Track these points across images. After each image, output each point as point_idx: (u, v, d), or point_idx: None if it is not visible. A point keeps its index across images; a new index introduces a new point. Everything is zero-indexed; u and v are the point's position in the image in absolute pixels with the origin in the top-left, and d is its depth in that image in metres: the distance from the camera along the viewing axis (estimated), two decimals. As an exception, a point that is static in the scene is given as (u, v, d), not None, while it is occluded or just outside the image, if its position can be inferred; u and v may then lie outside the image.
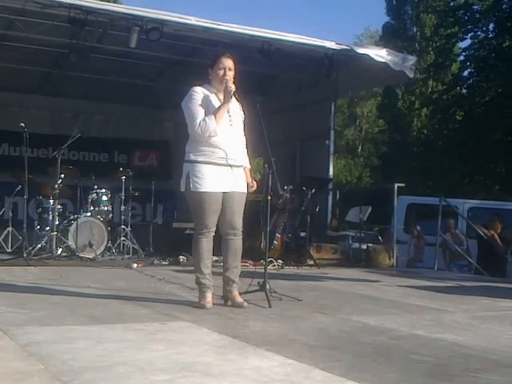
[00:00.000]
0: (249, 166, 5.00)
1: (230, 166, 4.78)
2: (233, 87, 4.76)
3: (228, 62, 4.84)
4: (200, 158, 4.74)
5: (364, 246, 10.85)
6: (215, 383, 2.69)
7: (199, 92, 4.81)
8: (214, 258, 5.29)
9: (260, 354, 3.27)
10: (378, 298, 5.98)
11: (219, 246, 4.96)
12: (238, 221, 4.88)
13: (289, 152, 12.65)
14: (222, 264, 5.03)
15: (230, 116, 4.82)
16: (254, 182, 5.00)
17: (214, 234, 4.84)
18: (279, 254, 9.51)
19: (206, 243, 4.81)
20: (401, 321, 4.56)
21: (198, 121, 4.69)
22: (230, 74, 4.83)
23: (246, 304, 4.81)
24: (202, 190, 4.70)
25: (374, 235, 13.11)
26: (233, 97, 4.80)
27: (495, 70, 23.24)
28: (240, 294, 4.92)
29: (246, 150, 5.00)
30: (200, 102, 4.76)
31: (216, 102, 4.80)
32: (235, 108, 4.90)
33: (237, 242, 4.89)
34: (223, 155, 4.74)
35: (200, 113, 4.71)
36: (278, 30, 10.27)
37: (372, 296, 6.16)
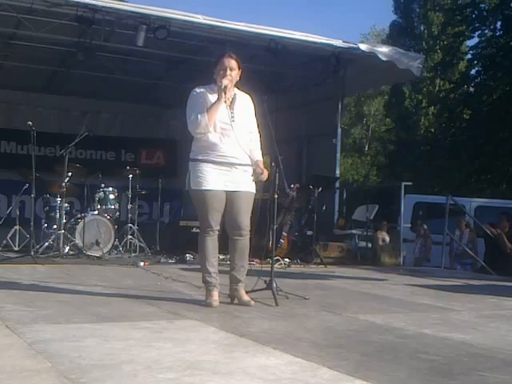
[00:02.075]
0: (261, 159, 4.96)
1: (232, 164, 4.77)
2: (224, 82, 4.74)
3: (230, 62, 4.83)
4: (200, 157, 4.75)
5: (371, 245, 10.83)
6: (222, 381, 2.68)
7: (198, 92, 4.85)
8: (221, 257, 5.30)
9: (267, 352, 3.27)
10: (384, 297, 5.98)
11: (226, 244, 4.96)
12: (245, 220, 4.85)
13: (296, 150, 12.64)
14: (228, 262, 5.03)
15: (232, 112, 4.80)
16: (265, 170, 4.95)
17: (218, 232, 4.84)
18: (286, 253, 9.52)
19: (211, 242, 4.81)
20: (408, 319, 4.55)
21: (191, 119, 4.74)
22: (233, 74, 4.82)
23: (252, 302, 4.81)
24: (202, 188, 4.71)
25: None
26: (226, 92, 4.76)
27: (502, 68, 23.17)
28: (246, 292, 4.92)
29: (258, 144, 4.97)
30: (197, 102, 4.78)
31: None
32: (241, 103, 4.89)
33: (243, 242, 4.88)
34: (225, 153, 4.74)
35: (194, 111, 4.74)
36: (284, 28, 10.29)
37: (379, 295, 6.15)
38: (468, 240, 11.73)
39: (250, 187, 4.88)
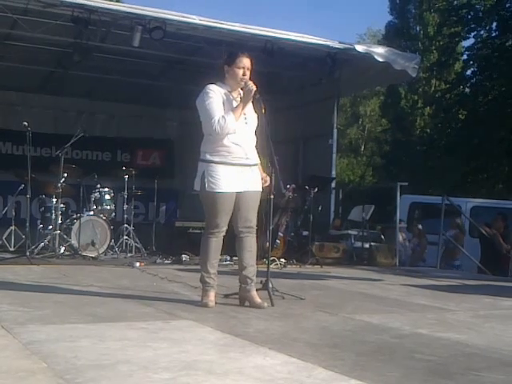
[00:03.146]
0: (259, 162, 4.98)
1: (246, 165, 4.77)
2: (254, 87, 4.74)
3: (247, 62, 4.83)
4: (216, 159, 4.71)
5: (367, 245, 10.85)
6: (218, 382, 2.69)
7: (215, 90, 4.77)
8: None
9: (263, 352, 3.27)
10: (380, 297, 5.98)
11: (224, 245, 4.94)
12: (253, 218, 4.87)
13: (292, 151, 12.65)
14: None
15: (245, 114, 4.80)
16: (268, 178, 4.99)
17: (224, 233, 4.82)
18: (282, 253, 9.52)
19: (215, 243, 4.80)
20: (403, 320, 4.56)
21: (216, 118, 4.65)
22: (248, 74, 4.82)
23: (265, 304, 4.77)
24: (216, 191, 4.68)
25: (376, 234, 13.11)
26: (254, 97, 4.78)
27: (498, 69, 23.22)
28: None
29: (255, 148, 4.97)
30: (217, 100, 4.72)
31: (230, 100, 4.78)
32: (250, 107, 4.87)
33: (252, 240, 4.87)
34: (240, 155, 4.73)
35: (218, 111, 4.68)
36: (281, 29, 10.29)
37: (375, 295, 6.16)
38: (450, 237, 11.68)
39: (258, 186, 4.89)
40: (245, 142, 4.77)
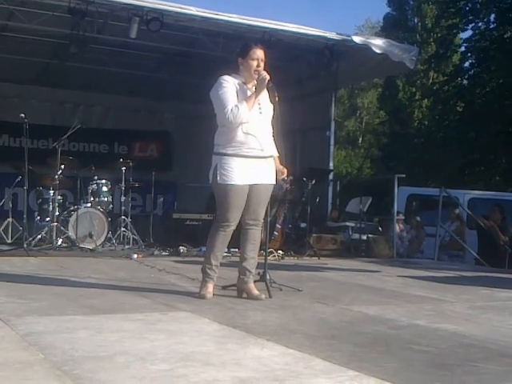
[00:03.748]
0: (277, 154, 4.95)
1: (260, 157, 4.74)
2: (267, 76, 4.72)
3: (261, 53, 4.80)
4: (229, 151, 4.67)
5: (364, 237, 10.86)
6: (215, 373, 2.68)
7: (229, 80, 4.74)
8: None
9: (260, 343, 3.27)
10: (378, 289, 5.99)
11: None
12: (262, 212, 4.86)
13: (289, 143, 12.57)
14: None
15: (259, 104, 4.77)
16: (285, 169, 4.97)
17: (233, 228, 4.78)
18: (279, 245, 9.53)
19: (223, 236, 4.77)
20: (401, 311, 4.56)
21: (229, 107, 4.62)
22: (262, 65, 4.79)
23: (263, 296, 4.76)
24: (229, 183, 4.64)
25: (374, 226, 13.12)
26: (268, 86, 4.76)
27: (496, 61, 23.19)
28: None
29: (272, 139, 4.93)
30: (231, 90, 4.69)
31: (244, 91, 4.75)
32: (265, 97, 4.84)
33: (257, 233, 4.85)
34: (254, 146, 4.69)
35: (231, 100, 4.64)
36: (279, 20, 10.26)
37: (372, 286, 6.16)
38: (453, 231, 11.72)
39: (272, 179, 4.86)
40: (259, 133, 4.73)
